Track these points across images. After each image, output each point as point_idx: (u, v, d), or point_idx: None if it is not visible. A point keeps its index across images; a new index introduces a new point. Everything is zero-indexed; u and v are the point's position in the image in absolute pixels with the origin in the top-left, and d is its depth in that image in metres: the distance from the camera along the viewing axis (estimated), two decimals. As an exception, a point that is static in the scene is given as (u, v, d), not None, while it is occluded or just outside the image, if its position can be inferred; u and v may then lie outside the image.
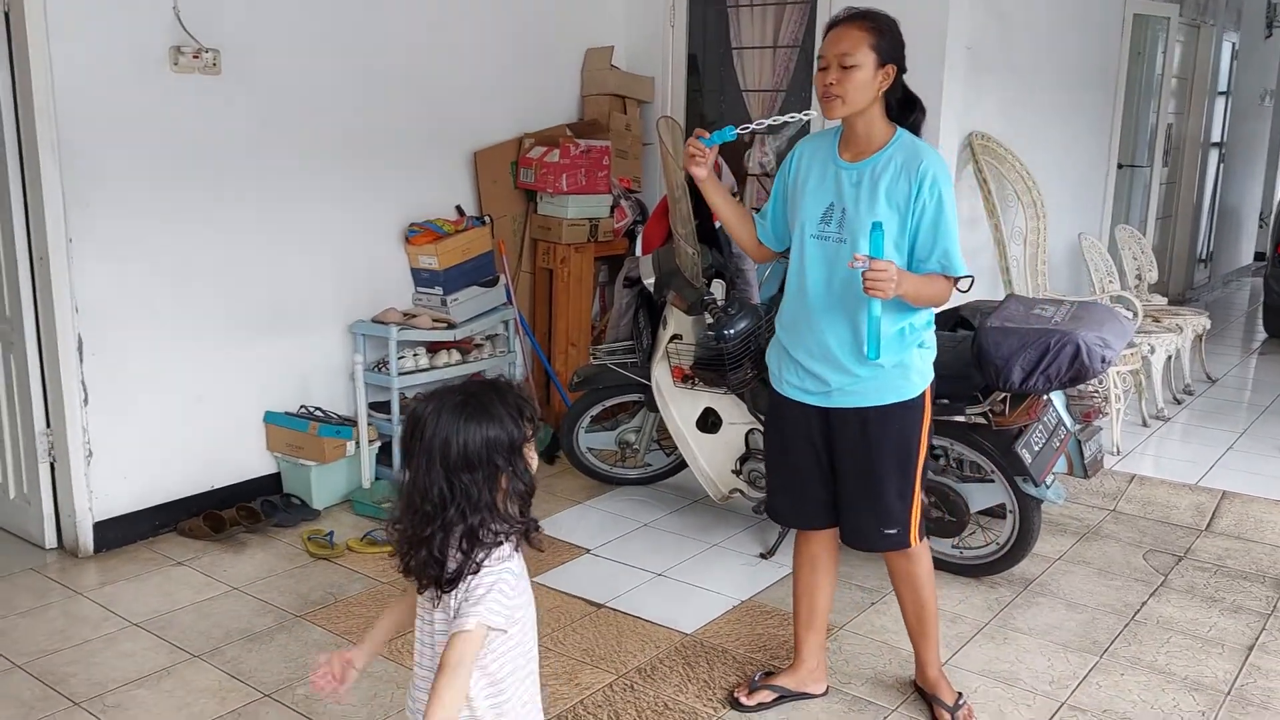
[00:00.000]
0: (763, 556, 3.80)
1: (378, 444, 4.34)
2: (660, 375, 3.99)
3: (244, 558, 3.74)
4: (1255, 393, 5.99)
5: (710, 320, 3.70)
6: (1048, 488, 3.41)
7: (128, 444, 3.77)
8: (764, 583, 3.58)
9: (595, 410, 4.41)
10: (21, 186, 3.50)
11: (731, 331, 3.67)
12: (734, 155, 5.20)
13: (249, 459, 4.17)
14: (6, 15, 3.39)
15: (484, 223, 4.78)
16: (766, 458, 2.93)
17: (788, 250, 2.72)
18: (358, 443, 4.22)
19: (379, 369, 4.41)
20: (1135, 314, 5.17)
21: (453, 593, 1.70)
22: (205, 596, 3.43)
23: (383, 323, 4.38)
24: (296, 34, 4.06)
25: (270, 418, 4.20)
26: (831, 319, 2.56)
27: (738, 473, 3.92)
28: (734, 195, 4.11)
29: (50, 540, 3.75)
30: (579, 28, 5.26)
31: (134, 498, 3.82)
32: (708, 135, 2.62)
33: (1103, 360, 3.11)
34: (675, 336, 3.94)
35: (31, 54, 3.35)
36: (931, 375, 2.65)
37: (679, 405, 3.97)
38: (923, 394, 2.62)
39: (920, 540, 2.70)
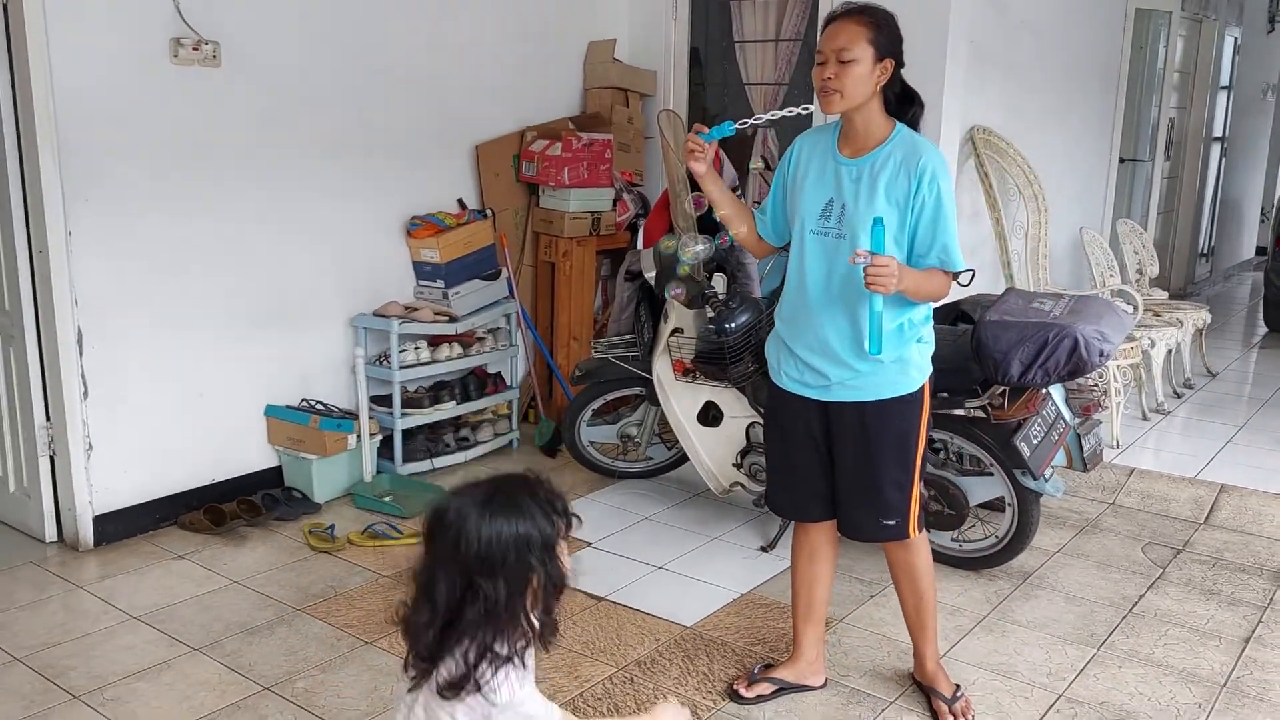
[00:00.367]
0: (763, 550, 3.80)
1: (379, 438, 4.35)
2: (661, 369, 3.99)
3: (245, 551, 3.74)
4: (1255, 387, 5.99)
5: (711, 314, 3.70)
6: (1046, 481, 3.42)
7: (128, 437, 3.78)
8: (764, 576, 3.58)
9: (597, 404, 4.42)
10: (21, 179, 3.49)
11: (733, 325, 3.68)
12: (740, 149, 5.20)
13: (250, 452, 4.17)
14: (5, 7, 3.39)
15: (486, 216, 4.78)
16: (766, 450, 2.93)
17: (788, 245, 2.72)
18: (359, 436, 4.22)
19: (380, 362, 4.41)
20: (1136, 308, 5.17)
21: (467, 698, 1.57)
22: (206, 590, 3.44)
23: (384, 316, 4.38)
24: (297, 26, 4.06)
25: (271, 411, 4.20)
26: (831, 314, 2.57)
27: (738, 466, 3.92)
28: (735, 190, 4.11)
29: (50, 534, 3.76)
30: (581, 20, 5.25)
31: (134, 491, 3.82)
32: (707, 130, 2.63)
33: (1101, 354, 3.12)
34: (676, 330, 3.94)
35: (30, 46, 3.35)
36: (930, 369, 2.66)
37: (680, 399, 3.97)
38: (921, 388, 2.63)
39: (919, 532, 2.71)
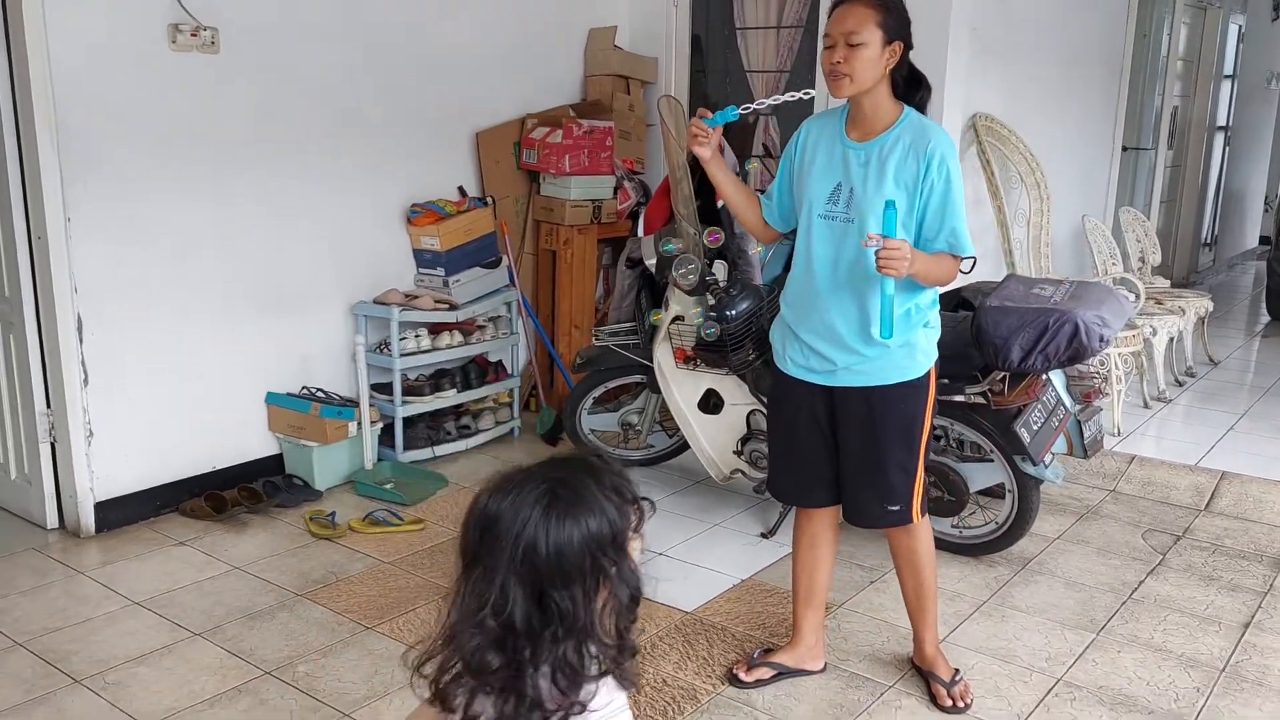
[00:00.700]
0: (763, 536, 3.80)
1: (380, 425, 4.35)
2: (662, 356, 3.99)
3: (245, 538, 3.75)
4: (1257, 375, 5.98)
5: (712, 301, 3.70)
6: (1046, 467, 3.42)
7: (129, 424, 3.78)
8: (764, 562, 3.59)
9: (598, 392, 4.42)
10: (19, 165, 3.49)
11: (733, 312, 3.67)
12: (741, 137, 5.18)
13: (250, 440, 4.18)
14: (5, -7, 3.39)
15: (486, 204, 4.77)
16: (770, 436, 2.93)
17: (792, 232, 2.72)
18: (359, 424, 4.23)
19: (381, 350, 4.41)
20: (1138, 296, 5.16)
21: None
22: (206, 576, 3.44)
23: (384, 304, 4.38)
24: (296, 12, 4.05)
25: (272, 398, 4.20)
26: (838, 299, 2.56)
27: (739, 453, 3.92)
28: (736, 174, 4.10)
29: (52, 520, 3.76)
30: (582, 7, 5.24)
31: (135, 478, 3.83)
32: (710, 115, 2.62)
33: (1101, 339, 3.11)
34: (677, 318, 3.94)
35: (28, 31, 3.34)
36: (936, 355, 2.66)
37: (681, 386, 3.97)
38: (927, 373, 2.63)
39: (922, 516, 2.71)
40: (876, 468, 2.64)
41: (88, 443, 3.68)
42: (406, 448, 4.46)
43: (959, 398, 3.40)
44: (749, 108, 2.74)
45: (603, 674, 1.30)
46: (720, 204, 4.06)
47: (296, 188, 4.16)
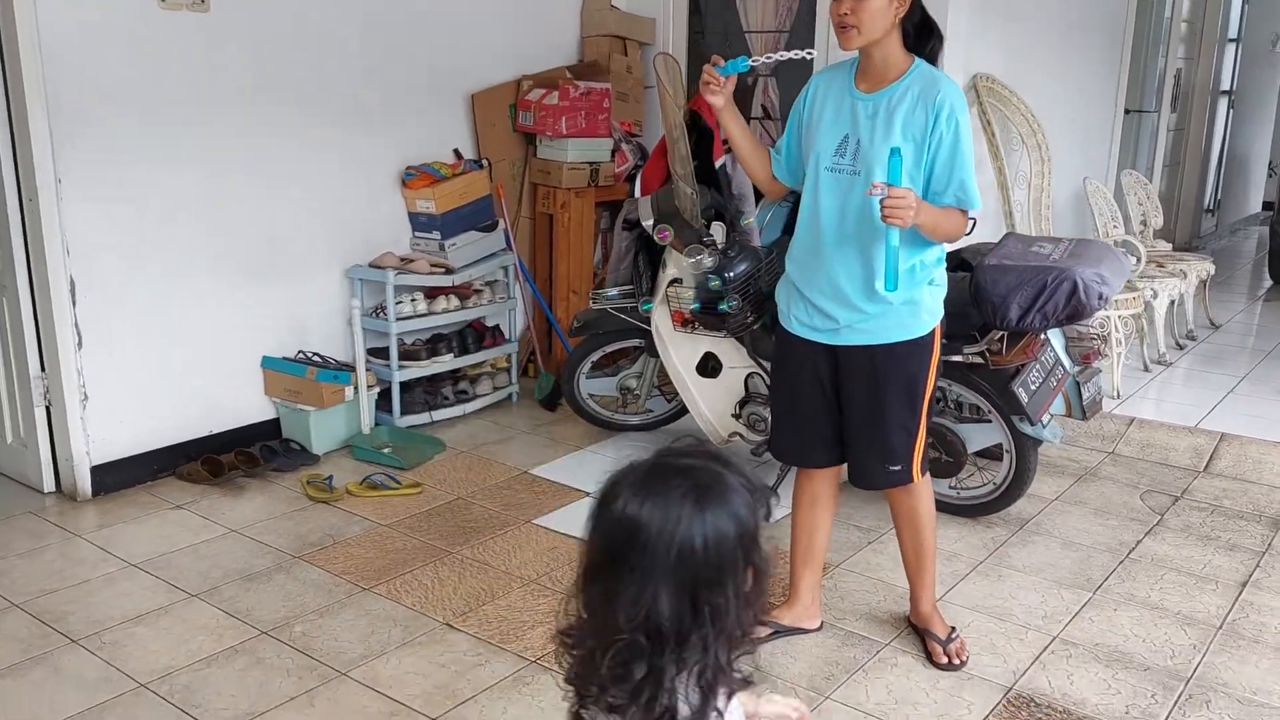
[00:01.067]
0: (760, 498, 3.79)
1: (376, 390, 4.34)
2: (660, 319, 3.97)
3: (243, 501, 3.75)
4: (1258, 338, 5.96)
5: (710, 264, 3.67)
6: (1044, 427, 3.40)
7: (124, 388, 3.77)
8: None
9: (596, 356, 4.40)
10: (9, 126, 3.45)
11: (731, 274, 3.65)
12: (740, 100, 5.12)
13: (247, 404, 4.17)
14: (-9, -49, 3.34)
15: (482, 166, 4.73)
16: (772, 395, 2.91)
17: (791, 193, 2.68)
18: (356, 388, 4.21)
19: (377, 314, 4.39)
20: (1139, 259, 5.13)
21: None
22: (203, 538, 3.44)
23: (380, 267, 4.36)
24: (287, -27, 4.00)
25: (268, 363, 4.19)
26: (844, 254, 2.53)
27: (737, 416, 3.91)
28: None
29: (49, 484, 3.76)
30: (577, -32, 5.17)
31: (132, 442, 3.82)
32: (723, 63, 2.56)
33: (1100, 297, 3.09)
34: (675, 280, 3.91)
35: (17, -9, 3.30)
36: (941, 313, 2.63)
37: (679, 350, 3.95)
38: (932, 332, 2.59)
39: (922, 476, 2.70)
40: (878, 428, 2.62)
41: (83, 406, 3.67)
42: (404, 413, 4.44)
43: (957, 358, 3.38)
44: (760, 60, 2.70)
45: (747, 679, 1.24)
46: (719, 163, 4.03)
47: (290, 149, 4.12)
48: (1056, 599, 3.08)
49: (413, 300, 4.43)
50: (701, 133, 4.01)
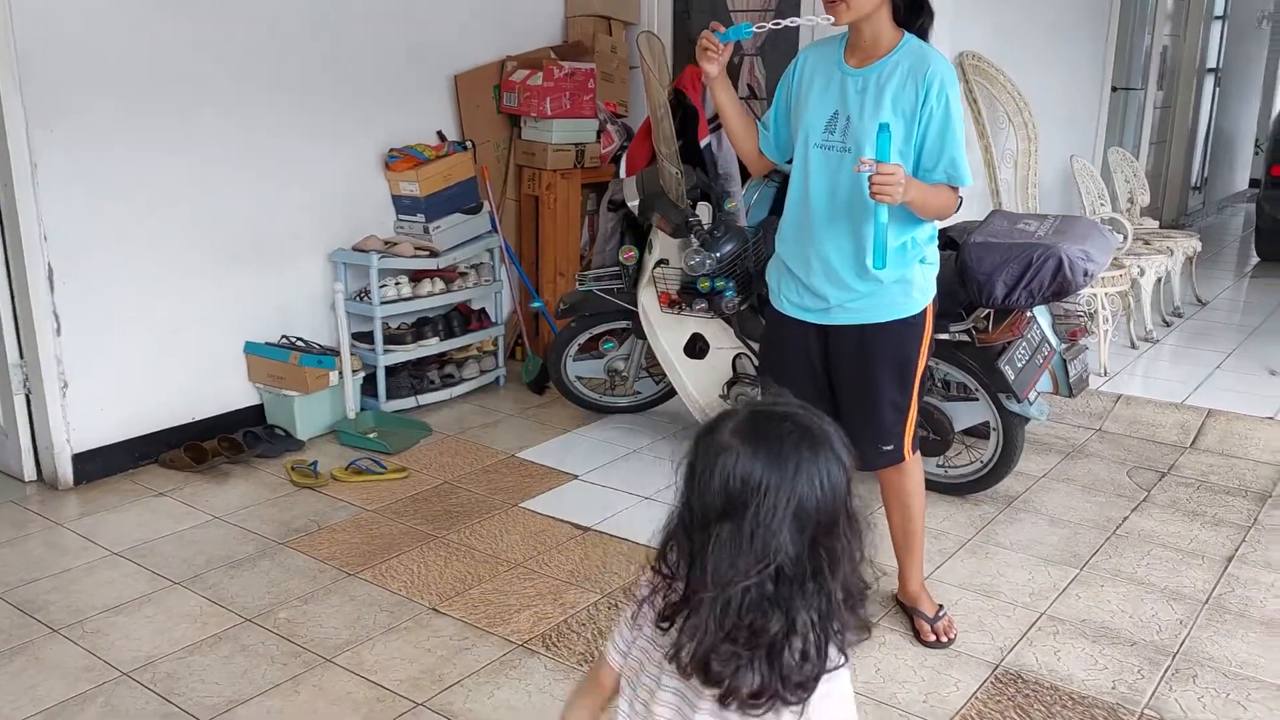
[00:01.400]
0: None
1: (361, 374, 4.31)
2: (647, 300, 3.95)
3: (226, 488, 3.72)
4: (1245, 315, 5.97)
5: (696, 244, 3.65)
6: (1030, 404, 3.39)
7: (104, 375, 3.73)
8: (748, 504, 3.57)
9: (583, 338, 4.37)
10: (-18, 110, 3.40)
11: (718, 254, 3.63)
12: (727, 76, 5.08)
13: (230, 390, 4.13)
14: (-40, -69, 3.28)
15: (466, 148, 4.69)
16: (762, 376, 2.89)
17: (777, 172, 2.65)
18: (340, 373, 4.18)
19: (361, 298, 4.36)
20: (1125, 236, 5.12)
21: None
22: (187, 526, 3.41)
23: (363, 251, 4.32)
24: (265, -48, 3.94)
25: (251, 348, 4.15)
26: (833, 231, 2.51)
27: (725, 397, 3.89)
28: (712, 120, 4.02)
29: (30, 473, 3.72)
30: (559, -53, 5.12)
31: (113, 429, 3.78)
32: (723, 30, 2.50)
33: (1085, 274, 3.07)
34: (661, 261, 3.89)
35: (-13, -29, 3.25)
36: (933, 291, 2.60)
37: (666, 331, 3.93)
38: (924, 310, 2.57)
39: (913, 453, 2.69)
40: (870, 407, 2.60)
41: (63, 394, 3.63)
42: (390, 397, 4.42)
43: (943, 336, 3.36)
44: (764, 26, 2.64)
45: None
46: (704, 143, 4.00)
47: (272, 132, 4.07)
48: (1044, 575, 3.07)
49: (397, 284, 4.40)
50: (686, 112, 3.98)
